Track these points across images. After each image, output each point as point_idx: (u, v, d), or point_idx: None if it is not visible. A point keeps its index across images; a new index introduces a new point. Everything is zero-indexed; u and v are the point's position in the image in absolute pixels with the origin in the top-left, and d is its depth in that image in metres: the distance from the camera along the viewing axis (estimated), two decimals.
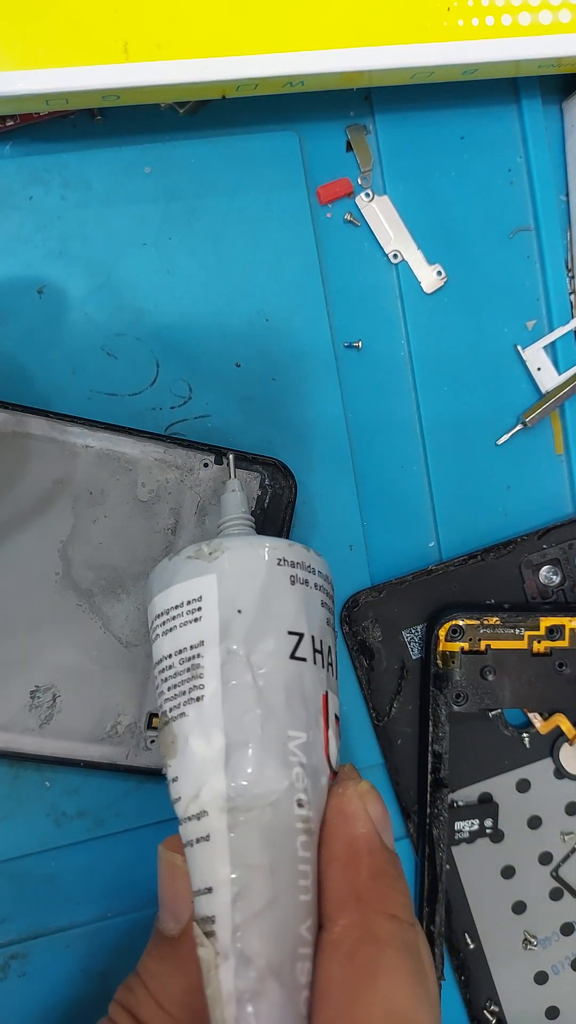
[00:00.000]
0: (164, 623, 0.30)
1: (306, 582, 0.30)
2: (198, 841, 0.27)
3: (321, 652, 0.29)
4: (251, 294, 0.39)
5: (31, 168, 0.38)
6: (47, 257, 0.38)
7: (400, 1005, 0.24)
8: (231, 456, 0.36)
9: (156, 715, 0.36)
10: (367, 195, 0.40)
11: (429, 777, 0.39)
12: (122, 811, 0.38)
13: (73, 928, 0.37)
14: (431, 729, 0.39)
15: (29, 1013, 0.37)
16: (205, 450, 0.37)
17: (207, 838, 0.27)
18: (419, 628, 0.40)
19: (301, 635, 0.29)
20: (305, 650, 0.29)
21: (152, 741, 0.36)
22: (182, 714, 0.28)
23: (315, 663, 0.29)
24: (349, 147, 0.40)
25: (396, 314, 0.41)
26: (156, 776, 0.37)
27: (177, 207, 0.39)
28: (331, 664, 0.30)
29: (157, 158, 0.39)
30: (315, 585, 0.30)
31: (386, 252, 0.40)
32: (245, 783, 0.27)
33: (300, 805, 0.27)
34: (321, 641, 0.29)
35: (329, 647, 0.30)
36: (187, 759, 0.28)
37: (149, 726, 0.36)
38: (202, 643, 0.29)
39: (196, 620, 0.29)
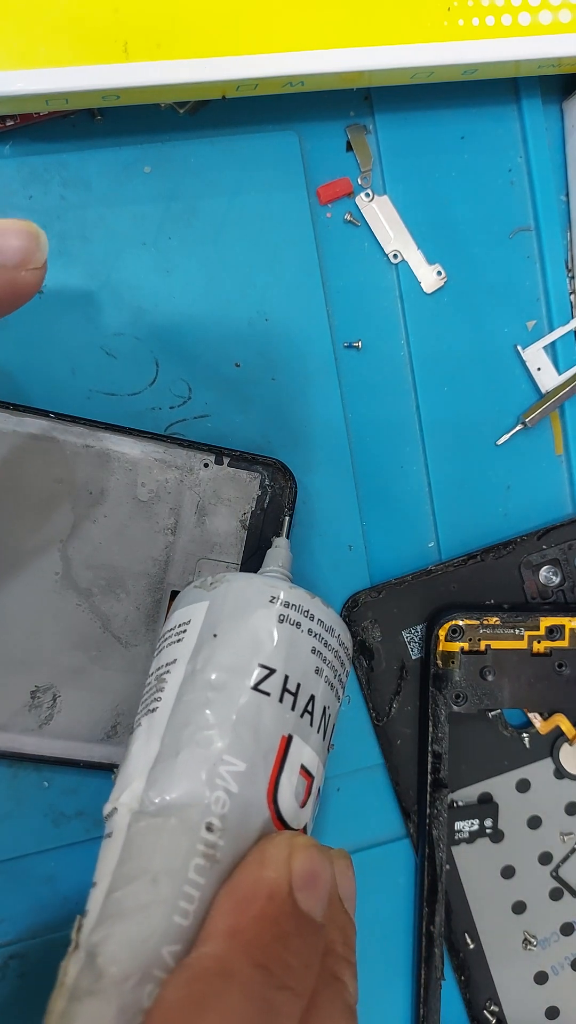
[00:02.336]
0: (159, 645, 0.31)
1: (298, 624, 0.30)
2: (105, 838, 0.27)
3: (295, 696, 0.29)
4: (251, 294, 0.39)
5: (31, 168, 0.38)
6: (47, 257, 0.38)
7: None
8: (287, 519, 0.37)
9: None
10: (367, 195, 0.40)
11: (429, 777, 0.39)
12: None
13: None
14: (431, 729, 0.39)
15: (29, 1013, 0.37)
16: (205, 450, 0.37)
17: (111, 835, 0.27)
18: (419, 628, 0.40)
19: (272, 671, 0.28)
20: (272, 686, 0.28)
21: None
22: (139, 724, 0.29)
23: (281, 702, 0.28)
24: (349, 147, 0.40)
25: (396, 314, 0.41)
26: None
27: (177, 207, 0.39)
28: (310, 714, 0.29)
29: (157, 158, 0.39)
30: (309, 631, 0.30)
31: (386, 252, 0.40)
32: (160, 791, 0.26)
33: (209, 829, 0.26)
34: (299, 685, 0.29)
35: (312, 696, 0.29)
36: (125, 764, 0.28)
37: None
38: (175, 661, 0.29)
39: (179, 641, 0.30)
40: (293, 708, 0.28)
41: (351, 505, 0.40)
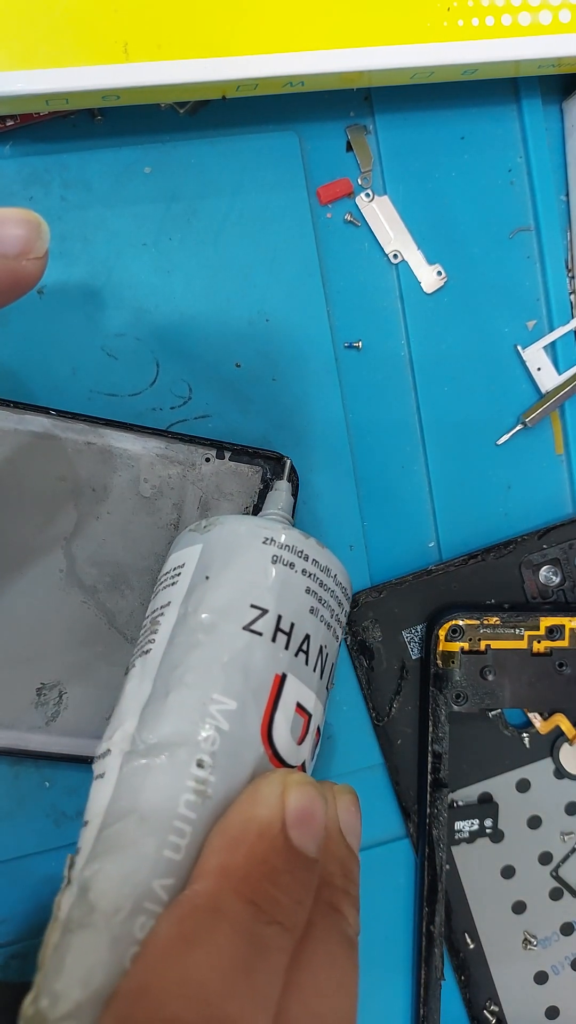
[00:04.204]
0: (156, 588, 0.31)
1: (292, 565, 0.30)
2: (96, 778, 0.27)
3: (288, 635, 0.29)
4: (251, 294, 0.39)
5: (31, 168, 0.38)
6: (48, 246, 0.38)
7: (207, 985, 0.22)
8: (288, 462, 0.37)
9: None
10: (367, 195, 0.40)
11: (429, 777, 0.39)
12: None
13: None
14: (431, 729, 0.39)
15: None
16: (206, 445, 0.37)
17: (103, 776, 0.27)
18: (419, 628, 0.40)
19: (265, 611, 0.29)
20: (264, 626, 0.29)
21: None
22: (133, 665, 0.29)
23: (273, 641, 0.28)
24: (349, 147, 0.40)
25: (396, 314, 0.41)
26: None
27: (177, 207, 0.39)
28: (306, 653, 0.29)
29: (157, 158, 0.39)
30: (304, 571, 0.30)
31: (386, 252, 0.40)
32: (151, 730, 0.27)
33: (200, 765, 0.26)
34: (292, 624, 0.29)
35: (307, 635, 0.29)
36: (119, 705, 0.29)
37: None
38: (169, 604, 0.30)
39: (173, 584, 0.30)
40: (287, 647, 0.29)
41: (351, 505, 0.40)
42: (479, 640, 0.39)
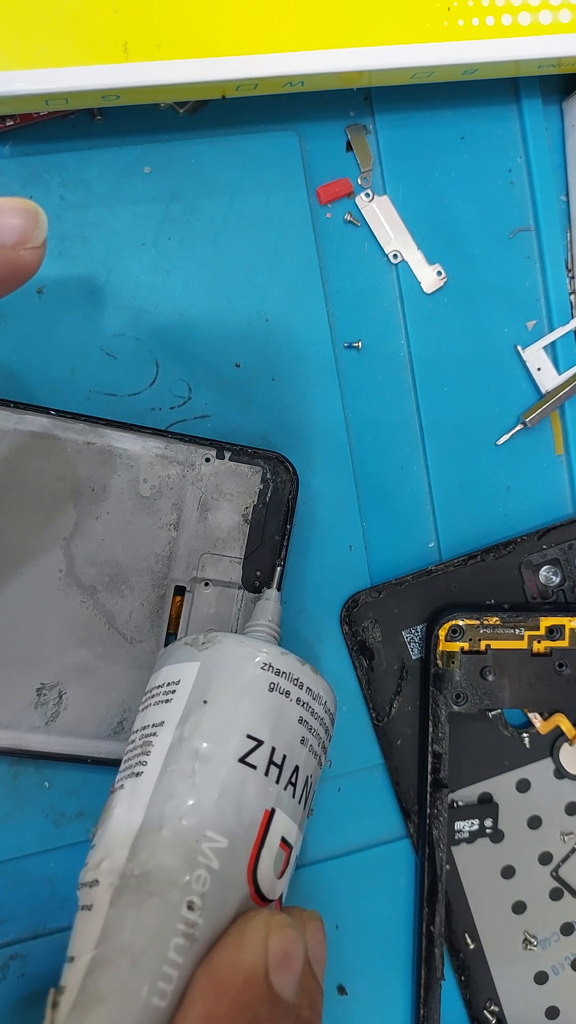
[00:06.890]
0: (145, 700, 0.31)
1: (287, 693, 0.30)
2: (83, 909, 0.27)
3: (280, 768, 0.29)
4: (251, 294, 0.39)
5: (31, 168, 0.38)
6: (46, 257, 0.38)
7: None
8: (280, 568, 0.37)
9: None
10: (367, 195, 0.40)
11: (429, 777, 0.39)
12: None
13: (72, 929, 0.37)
14: (431, 729, 0.39)
15: (29, 1014, 0.37)
16: (206, 445, 0.37)
17: (90, 907, 0.27)
18: (419, 628, 0.40)
19: (260, 743, 0.28)
20: (258, 759, 0.28)
21: None
22: (121, 786, 0.29)
23: (266, 775, 0.28)
24: (349, 147, 0.40)
25: (396, 314, 0.41)
26: None
27: (177, 207, 0.39)
28: (293, 785, 0.29)
29: (157, 158, 0.39)
30: (298, 700, 0.30)
31: (386, 252, 0.40)
32: (142, 866, 0.26)
33: (190, 908, 0.26)
34: (284, 756, 0.29)
35: (296, 767, 0.29)
36: (106, 829, 0.28)
37: None
38: (163, 723, 0.29)
39: (167, 701, 0.30)
40: (278, 781, 0.29)
41: (351, 505, 0.40)
42: (479, 640, 0.39)
